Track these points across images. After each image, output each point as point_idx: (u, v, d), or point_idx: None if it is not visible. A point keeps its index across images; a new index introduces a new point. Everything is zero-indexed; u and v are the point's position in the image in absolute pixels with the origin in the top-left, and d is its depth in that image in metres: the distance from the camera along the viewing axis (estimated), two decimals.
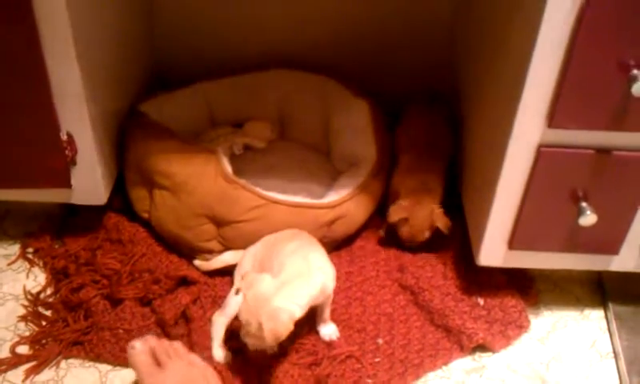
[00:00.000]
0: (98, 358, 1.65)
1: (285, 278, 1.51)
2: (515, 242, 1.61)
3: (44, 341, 1.67)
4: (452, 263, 1.83)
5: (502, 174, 1.51)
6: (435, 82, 2.13)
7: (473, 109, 1.88)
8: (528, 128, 1.44)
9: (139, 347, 1.47)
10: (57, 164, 1.69)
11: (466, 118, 1.94)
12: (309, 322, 1.65)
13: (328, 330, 1.67)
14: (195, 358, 1.51)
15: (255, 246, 1.74)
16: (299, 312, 1.48)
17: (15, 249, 1.90)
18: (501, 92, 1.57)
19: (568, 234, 1.58)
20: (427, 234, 1.83)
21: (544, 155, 1.47)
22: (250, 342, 1.48)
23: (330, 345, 1.65)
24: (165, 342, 1.52)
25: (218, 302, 1.72)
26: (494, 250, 1.64)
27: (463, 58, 2.03)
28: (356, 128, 2.02)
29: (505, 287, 1.77)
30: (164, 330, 1.69)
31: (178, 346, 1.52)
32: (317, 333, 1.67)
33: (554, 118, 1.41)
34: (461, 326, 1.67)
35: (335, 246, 1.88)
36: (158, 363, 1.46)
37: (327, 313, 1.66)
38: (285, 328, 1.44)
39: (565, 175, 1.50)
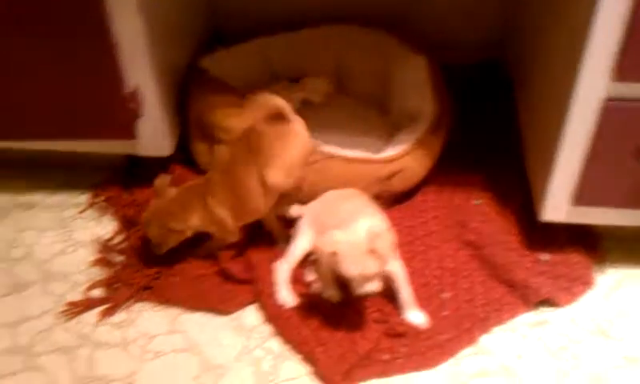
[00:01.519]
0: (167, 302, 1.70)
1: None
2: (579, 197, 1.61)
3: (116, 285, 1.73)
4: (515, 219, 1.83)
5: (566, 130, 1.51)
6: (486, 45, 2.13)
7: (531, 66, 1.88)
8: (593, 82, 1.43)
9: None
10: (122, 116, 1.73)
11: (522, 77, 1.93)
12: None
13: (416, 318, 1.64)
14: None
15: (315, 202, 1.77)
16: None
17: (85, 198, 1.95)
18: (564, 46, 1.56)
19: (633, 189, 1.58)
20: None
21: (609, 109, 1.46)
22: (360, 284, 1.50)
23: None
24: None
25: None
26: (557, 205, 1.64)
27: (519, 19, 2.02)
28: (414, 83, 2.01)
29: (570, 243, 1.77)
30: (228, 276, 1.73)
31: None
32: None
33: (620, 70, 1.40)
34: (525, 281, 1.68)
35: (394, 200, 1.89)
36: None
37: (406, 291, 1.64)
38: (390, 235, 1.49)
39: (630, 129, 1.49)
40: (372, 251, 1.47)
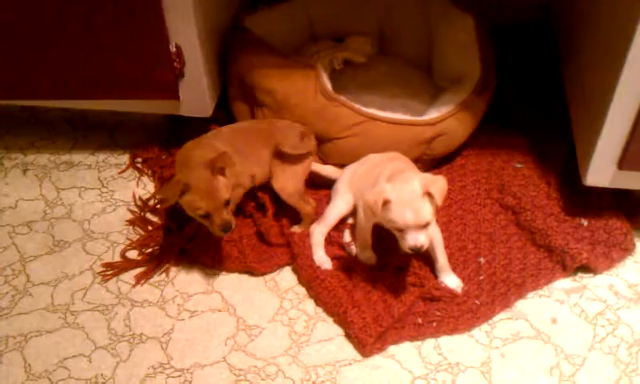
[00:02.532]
0: (203, 264, 1.71)
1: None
2: (626, 161, 1.57)
3: (150, 246, 1.75)
4: (556, 183, 1.80)
5: (616, 91, 1.47)
6: (533, 4, 2.08)
7: (580, 26, 1.83)
8: None
9: None
10: (166, 76, 1.73)
11: (569, 37, 1.89)
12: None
13: (452, 282, 1.64)
14: None
15: (356, 164, 1.76)
16: None
17: (125, 158, 1.98)
18: (619, 6, 1.51)
19: None
20: None
21: None
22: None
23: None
24: None
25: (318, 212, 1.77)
26: (602, 169, 1.60)
27: None
28: (460, 43, 1.97)
29: (610, 209, 1.74)
30: (264, 239, 1.74)
31: None
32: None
33: None
34: (564, 246, 1.65)
35: (435, 163, 1.88)
36: None
37: (442, 256, 1.63)
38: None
39: None
40: (427, 194, 1.44)
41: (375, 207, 1.45)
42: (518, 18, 2.22)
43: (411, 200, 1.44)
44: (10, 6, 1.63)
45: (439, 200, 1.44)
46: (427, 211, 1.44)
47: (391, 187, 1.46)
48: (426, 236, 1.47)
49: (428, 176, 1.51)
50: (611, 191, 1.71)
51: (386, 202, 1.45)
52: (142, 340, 1.57)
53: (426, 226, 1.46)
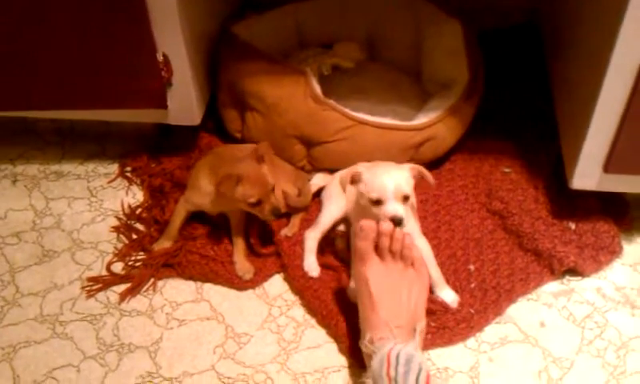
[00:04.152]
0: (189, 279, 1.72)
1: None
2: (612, 164, 1.57)
3: (135, 256, 1.75)
4: (543, 187, 1.81)
5: (601, 94, 1.47)
6: (519, 8, 2.08)
7: (566, 29, 1.84)
8: (632, 44, 1.39)
9: (366, 230, 1.47)
10: (153, 85, 1.73)
11: (555, 40, 1.89)
12: None
13: (448, 296, 1.62)
14: (418, 257, 1.50)
15: (343, 171, 1.75)
16: None
17: (114, 168, 1.98)
18: (601, 7, 1.52)
19: None
20: None
21: None
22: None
23: None
24: (395, 237, 1.46)
25: (309, 222, 1.77)
26: (588, 172, 1.61)
27: None
28: (448, 49, 1.97)
29: (598, 212, 1.74)
30: (253, 250, 1.74)
31: (407, 241, 1.47)
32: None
33: None
34: (551, 250, 1.66)
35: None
36: (378, 253, 1.48)
37: (435, 270, 1.62)
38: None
39: None
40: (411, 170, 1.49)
41: (344, 181, 1.50)
42: (503, 22, 2.22)
43: (389, 169, 1.47)
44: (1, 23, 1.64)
45: (430, 179, 1.49)
46: (406, 182, 1.46)
47: (365, 166, 1.49)
48: (406, 212, 1.48)
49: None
50: (598, 194, 1.71)
51: (356, 177, 1.48)
52: (131, 349, 1.57)
53: (405, 199, 1.47)
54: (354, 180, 1.52)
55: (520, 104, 2.05)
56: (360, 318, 1.46)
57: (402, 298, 1.43)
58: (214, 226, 1.78)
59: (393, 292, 1.43)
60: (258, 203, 1.60)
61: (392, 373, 1.28)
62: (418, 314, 1.44)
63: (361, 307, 1.46)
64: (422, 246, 1.61)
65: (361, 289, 1.46)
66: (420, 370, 1.27)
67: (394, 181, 1.46)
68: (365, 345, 1.40)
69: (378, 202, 1.48)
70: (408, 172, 1.51)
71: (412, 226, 1.60)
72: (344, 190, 1.56)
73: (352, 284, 1.58)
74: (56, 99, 1.78)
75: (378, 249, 1.46)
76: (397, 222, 1.46)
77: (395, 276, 1.45)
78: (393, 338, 1.36)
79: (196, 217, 1.78)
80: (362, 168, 1.51)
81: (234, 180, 1.58)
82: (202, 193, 1.69)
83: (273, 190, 1.62)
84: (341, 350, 1.55)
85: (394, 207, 1.47)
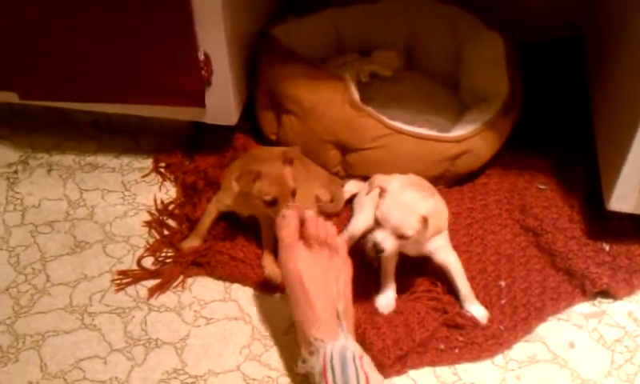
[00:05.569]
0: (218, 279, 1.72)
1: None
2: None
3: (164, 251, 1.76)
4: (579, 206, 1.79)
5: None
6: (562, 23, 2.06)
7: (609, 47, 1.81)
8: None
9: (288, 218, 1.48)
10: (193, 83, 1.74)
11: (598, 57, 1.87)
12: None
13: (478, 312, 1.60)
14: (340, 246, 1.50)
15: (381, 176, 1.74)
16: None
17: (149, 163, 1.99)
18: None
19: None
20: None
21: None
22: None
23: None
24: (319, 225, 1.48)
25: (339, 227, 1.74)
26: (626, 195, 1.59)
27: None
28: (488, 61, 1.95)
29: (633, 235, 1.72)
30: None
31: (331, 230, 1.49)
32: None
33: None
34: (584, 270, 1.64)
35: (458, 180, 1.87)
36: (304, 240, 1.47)
37: (464, 285, 1.61)
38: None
39: None
40: (423, 219, 1.41)
41: (371, 186, 1.48)
42: (547, 35, 2.21)
43: (405, 205, 1.42)
44: (45, 15, 1.66)
45: (430, 233, 1.42)
46: (412, 227, 1.42)
47: (399, 183, 1.45)
48: (394, 247, 1.45)
49: (437, 206, 1.47)
50: (634, 217, 1.68)
51: (383, 193, 1.44)
52: (158, 345, 1.58)
53: (401, 237, 1.44)
54: (381, 194, 1.50)
55: (559, 121, 2.03)
56: (294, 314, 1.46)
57: (332, 289, 1.44)
58: (244, 228, 1.78)
59: (325, 284, 1.44)
60: (274, 203, 1.58)
61: (329, 376, 1.30)
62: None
63: (294, 302, 1.45)
64: (452, 260, 1.60)
65: (293, 283, 1.45)
66: (354, 358, 1.32)
67: (400, 219, 1.42)
68: (301, 367, 1.40)
69: (377, 223, 1.46)
70: (423, 214, 1.43)
71: (442, 240, 1.58)
72: (371, 189, 1.53)
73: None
74: (95, 92, 1.80)
75: (303, 237, 1.47)
76: (378, 250, 1.45)
77: (323, 265, 1.46)
78: (329, 335, 1.37)
79: (228, 218, 1.78)
80: (394, 184, 1.46)
81: (253, 175, 1.57)
82: (232, 193, 1.69)
83: (293, 194, 1.60)
84: None
85: (383, 237, 1.44)
